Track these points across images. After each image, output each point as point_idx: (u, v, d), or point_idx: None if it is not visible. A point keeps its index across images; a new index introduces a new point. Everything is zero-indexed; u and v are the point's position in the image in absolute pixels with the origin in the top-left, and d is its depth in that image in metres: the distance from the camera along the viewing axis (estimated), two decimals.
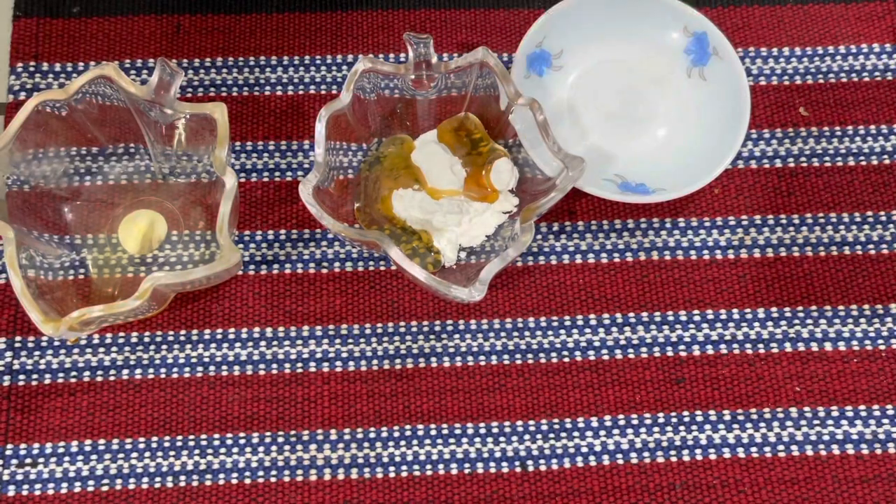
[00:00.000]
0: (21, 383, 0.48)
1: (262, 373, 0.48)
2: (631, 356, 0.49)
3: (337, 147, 0.48)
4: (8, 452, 0.47)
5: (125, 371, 0.48)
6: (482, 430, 0.48)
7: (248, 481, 0.47)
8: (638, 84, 0.54)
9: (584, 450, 0.48)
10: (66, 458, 0.47)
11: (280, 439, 0.47)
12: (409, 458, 0.47)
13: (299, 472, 0.47)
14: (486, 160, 0.50)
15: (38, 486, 0.46)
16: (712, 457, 0.48)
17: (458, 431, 0.48)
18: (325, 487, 0.47)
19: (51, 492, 0.46)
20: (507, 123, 0.49)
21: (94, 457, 0.47)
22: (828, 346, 0.50)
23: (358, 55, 0.54)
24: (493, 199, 0.50)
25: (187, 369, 0.48)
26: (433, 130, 0.52)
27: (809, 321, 0.50)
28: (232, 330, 0.49)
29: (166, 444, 0.47)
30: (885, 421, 0.49)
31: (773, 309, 0.50)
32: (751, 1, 0.56)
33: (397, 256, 0.43)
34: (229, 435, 0.47)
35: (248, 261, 0.50)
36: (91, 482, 0.46)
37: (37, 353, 0.48)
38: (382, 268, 0.50)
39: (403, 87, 0.49)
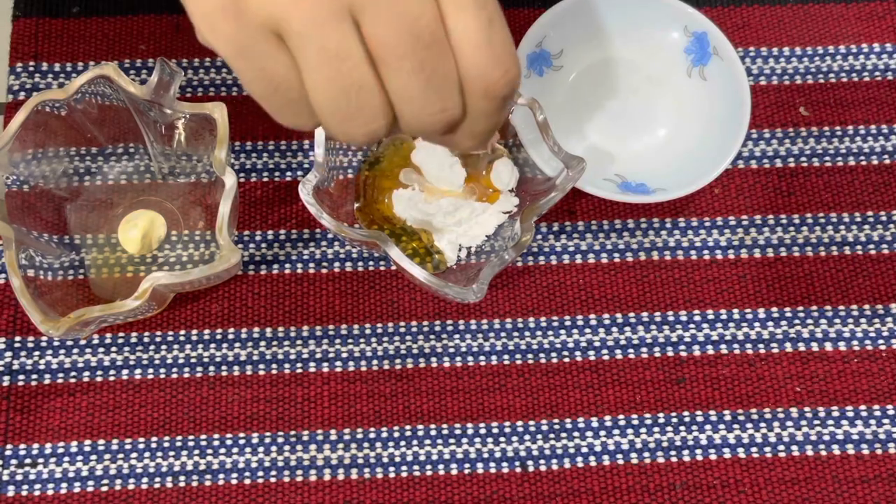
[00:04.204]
0: (21, 383, 0.48)
1: (262, 373, 0.48)
2: (631, 356, 0.49)
3: (337, 147, 0.48)
4: (8, 452, 0.47)
5: (125, 371, 0.48)
6: (482, 431, 0.48)
7: (248, 481, 0.47)
8: (638, 84, 0.54)
9: (584, 450, 0.48)
10: (66, 459, 0.47)
11: (280, 439, 0.47)
12: (409, 458, 0.47)
13: (299, 472, 0.47)
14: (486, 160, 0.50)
15: (37, 486, 0.46)
16: (712, 457, 0.48)
17: (458, 431, 0.48)
18: (325, 487, 0.47)
19: (50, 492, 0.46)
20: (508, 123, 0.48)
21: (93, 457, 0.47)
22: (828, 346, 0.50)
23: None
24: (494, 199, 0.50)
25: (187, 369, 0.48)
26: None
27: (810, 321, 0.50)
28: (232, 330, 0.49)
29: (166, 445, 0.47)
30: (886, 421, 0.49)
31: (774, 309, 0.50)
32: (751, 1, 0.56)
33: (397, 256, 0.42)
34: (229, 435, 0.47)
35: (247, 261, 0.50)
36: (91, 482, 0.46)
37: (36, 353, 0.48)
38: (382, 268, 0.50)
39: None
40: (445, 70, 0.29)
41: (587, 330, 0.50)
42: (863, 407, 0.49)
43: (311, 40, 0.28)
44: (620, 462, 0.48)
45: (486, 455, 0.47)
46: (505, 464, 0.47)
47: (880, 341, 0.50)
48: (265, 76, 0.29)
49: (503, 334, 0.50)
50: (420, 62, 0.28)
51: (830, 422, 0.49)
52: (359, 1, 0.27)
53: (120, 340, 0.49)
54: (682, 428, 0.48)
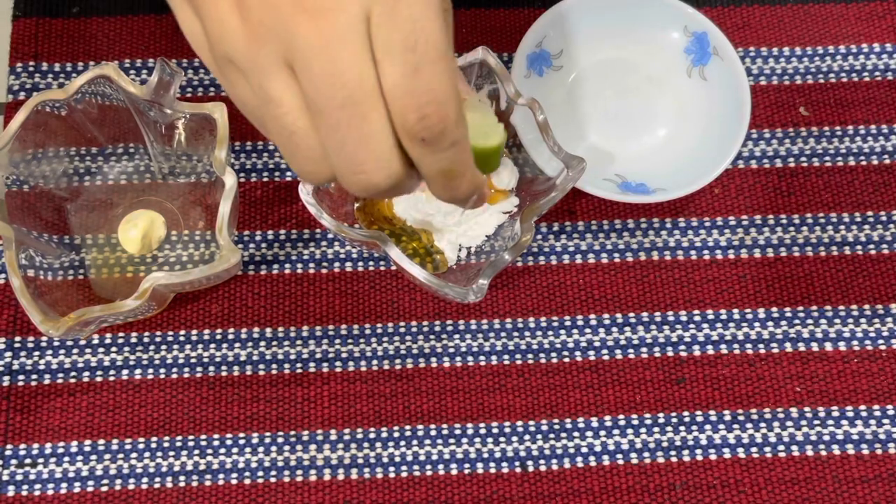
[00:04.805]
0: (21, 383, 0.48)
1: (261, 373, 0.48)
2: (631, 356, 0.49)
3: None
4: (8, 452, 0.47)
5: (125, 371, 0.48)
6: (482, 431, 0.48)
7: (248, 481, 0.47)
8: (638, 84, 0.54)
9: (584, 450, 0.48)
10: (66, 459, 0.47)
11: (280, 439, 0.47)
12: (409, 458, 0.47)
13: (299, 472, 0.47)
14: None
15: (37, 486, 0.46)
16: (712, 457, 0.48)
17: (458, 431, 0.48)
18: (325, 487, 0.47)
19: (50, 492, 0.46)
20: (508, 123, 0.48)
21: (93, 457, 0.47)
22: (828, 346, 0.50)
23: None
24: (495, 200, 0.50)
25: (187, 369, 0.48)
26: None
27: (809, 321, 0.50)
28: (232, 330, 0.49)
29: (166, 445, 0.47)
30: (886, 421, 0.49)
31: (774, 309, 0.50)
32: (751, 1, 0.56)
33: (397, 256, 0.42)
34: (229, 435, 0.47)
35: (247, 261, 0.50)
36: (91, 482, 0.46)
37: (36, 353, 0.48)
38: (382, 268, 0.50)
39: None
40: (364, 132, 0.28)
41: (587, 330, 0.50)
42: (863, 407, 0.49)
43: (252, 81, 0.29)
44: (620, 462, 0.48)
45: (486, 455, 0.47)
46: (505, 464, 0.47)
47: (880, 341, 0.50)
48: (234, 94, 0.31)
49: (503, 334, 0.50)
50: (335, 122, 0.28)
51: (830, 422, 0.49)
52: (291, 54, 0.28)
53: (120, 340, 0.49)
54: (681, 428, 0.48)
